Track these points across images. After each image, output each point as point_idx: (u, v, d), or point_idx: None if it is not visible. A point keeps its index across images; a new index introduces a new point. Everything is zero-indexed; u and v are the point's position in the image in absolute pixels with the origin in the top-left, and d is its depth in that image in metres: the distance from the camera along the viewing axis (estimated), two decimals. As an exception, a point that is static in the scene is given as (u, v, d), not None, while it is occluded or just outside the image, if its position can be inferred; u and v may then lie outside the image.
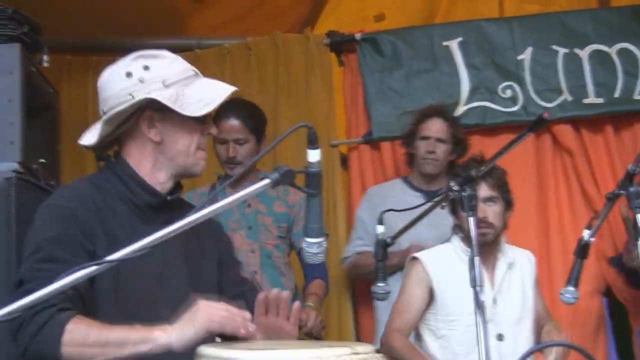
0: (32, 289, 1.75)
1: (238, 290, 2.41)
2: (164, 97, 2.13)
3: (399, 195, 4.18)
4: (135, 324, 1.98)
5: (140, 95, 2.14)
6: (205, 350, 1.93)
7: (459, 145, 4.22)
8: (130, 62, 2.21)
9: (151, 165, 2.24)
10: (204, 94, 2.19)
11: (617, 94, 4.64)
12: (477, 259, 2.42)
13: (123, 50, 2.32)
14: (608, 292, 4.61)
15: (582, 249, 2.88)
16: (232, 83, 2.30)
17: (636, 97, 4.63)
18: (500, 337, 3.28)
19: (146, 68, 2.18)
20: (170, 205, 2.26)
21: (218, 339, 2.30)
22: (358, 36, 4.84)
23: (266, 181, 1.91)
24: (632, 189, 2.65)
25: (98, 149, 2.28)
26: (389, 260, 3.11)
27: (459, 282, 2.91)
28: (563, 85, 4.67)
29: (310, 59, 4.95)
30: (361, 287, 4.54)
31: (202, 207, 1.84)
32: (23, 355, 1.99)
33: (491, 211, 3.32)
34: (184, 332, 1.96)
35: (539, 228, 4.65)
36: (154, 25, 5.06)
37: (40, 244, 2.07)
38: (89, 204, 2.16)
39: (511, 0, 5.32)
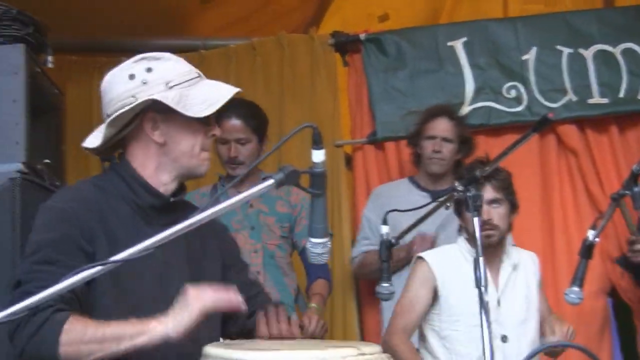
0: (30, 290, 1.78)
1: (247, 293, 2.41)
2: (167, 98, 2.13)
3: (405, 195, 4.18)
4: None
5: (143, 97, 2.15)
6: (211, 350, 1.94)
7: (465, 145, 4.21)
8: (133, 65, 2.21)
9: (155, 166, 2.24)
10: (207, 95, 2.19)
11: (621, 94, 4.63)
12: (481, 259, 2.42)
13: (128, 51, 2.33)
14: (613, 293, 4.61)
15: (587, 249, 2.88)
16: (237, 83, 2.30)
17: (641, 97, 4.63)
18: (504, 339, 3.27)
19: (149, 70, 2.18)
20: (174, 206, 2.26)
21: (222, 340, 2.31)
22: (362, 36, 4.84)
23: (270, 181, 1.91)
24: (636, 189, 2.66)
25: (102, 153, 2.28)
26: (395, 256, 3.11)
27: (463, 282, 2.90)
28: (567, 85, 4.66)
29: (315, 59, 4.95)
30: (366, 287, 4.54)
31: (206, 208, 1.84)
32: (20, 357, 2.00)
33: (496, 213, 3.32)
34: (179, 319, 1.97)
35: (543, 228, 4.65)
36: (159, 25, 5.06)
37: (39, 246, 2.07)
38: (90, 205, 2.16)
39: (516, 0, 5.32)
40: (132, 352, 1.96)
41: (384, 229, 2.97)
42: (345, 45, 4.93)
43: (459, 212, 3.37)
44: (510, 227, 3.43)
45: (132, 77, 2.18)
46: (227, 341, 2.44)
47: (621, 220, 4.27)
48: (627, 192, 2.78)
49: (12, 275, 2.55)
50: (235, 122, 3.79)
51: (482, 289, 2.40)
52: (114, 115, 2.16)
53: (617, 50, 4.66)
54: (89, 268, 1.72)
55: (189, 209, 2.24)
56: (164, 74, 2.18)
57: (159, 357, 2.01)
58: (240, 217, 3.83)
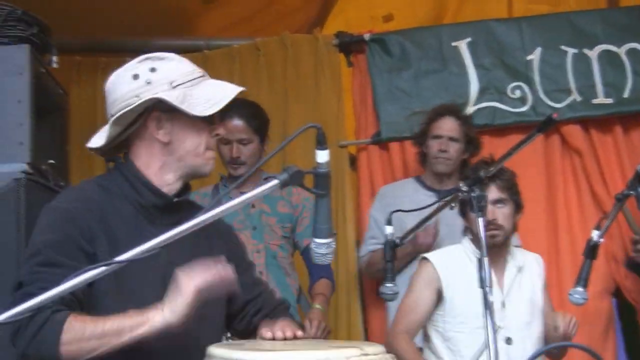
0: (32, 292, 1.79)
1: (253, 292, 2.42)
2: (171, 97, 2.13)
3: (412, 194, 4.17)
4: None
5: (147, 97, 2.15)
6: (215, 350, 1.94)
7: (471, 144, 4.21)
8: (137, 65, 2.21)
9: (159, 166, 2.24)
10: (211, 94, 2.19)
11: (626, 94, 4.63)
12: (486, 260, 2.42)
13: (132, 51, 2.33)
14: (617, 293, 4.60)
15: (591, 250, 2.87)
16: (240, 84, 2.30)
17: (645, 97, 4.62)
18: (508, 341, 3.27)
19: (153, 70, 2.19)
20: (178, 206, 2.27)
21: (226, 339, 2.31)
22: (367, 37, 4.84)
23: (275, 182, 1.91)
24: (641, 189, 2.65)
25: (106, 153, 2.28)
26: (401, 252, 3.09)
27: (468, 283, 2.91)
28: (572, 85, 4.66)
29: (319, 59, 4.94)
30: (370, 287, 4.53)
31: (210, 208, 1.84)
32: (22, 358, 2.00)
33: (500, 213, 3.32)
34: (176, 305, 1.97)
35: (547, 228, 4.64)
36: (163, 25, 5.06)
37: (40, 247, 2.08)
38: (93, 205, 2.16)
39: (520, 0, 5.32)
40: (144, 343, 1.97)
41: (388, 229, 2.97)
42: (349, 45, 4.93)
43: (463, 213, 3.37)
44: (515, 227, 3.43)
45: (136, 77, 2.18)
46: (230, 341, 2.44)
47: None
48: (631, 192, 2.77)
49: (17, 275, 2.56)
50: (237, 122, 3.79)
51: (487, 289, 2.40)
52: (117, 115, 2.17)
53: (621, 51, 4.66)
54: (92, 268, 1.72)
55: (194, 209, 2.24)
56: (168, 73, 2.19)
57: (166, 345, 2.02)
58: (242, 217, 3.83)
